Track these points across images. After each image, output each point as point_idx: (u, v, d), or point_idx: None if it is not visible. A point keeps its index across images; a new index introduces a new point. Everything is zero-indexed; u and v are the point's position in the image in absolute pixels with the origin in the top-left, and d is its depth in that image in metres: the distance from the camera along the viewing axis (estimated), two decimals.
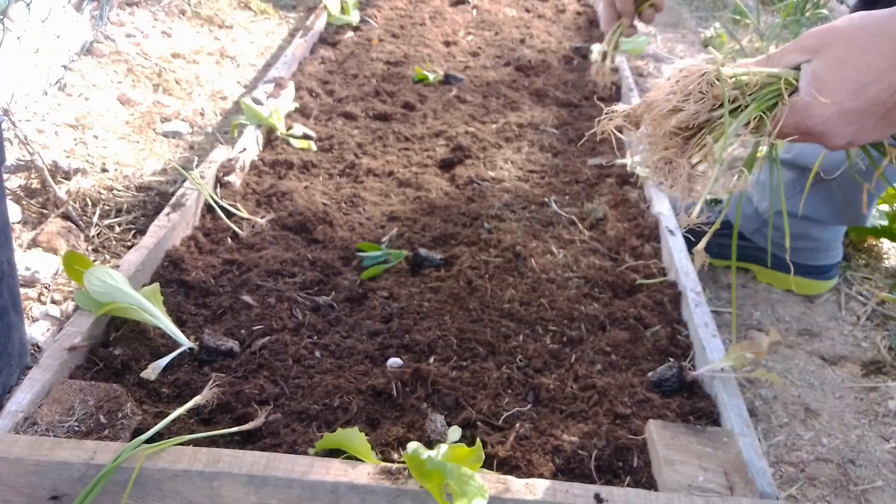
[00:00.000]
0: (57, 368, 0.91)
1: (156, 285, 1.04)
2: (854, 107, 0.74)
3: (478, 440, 0.79)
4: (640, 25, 1.39)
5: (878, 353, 1.32)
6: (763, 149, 0.82)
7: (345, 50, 2.17)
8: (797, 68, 0.79)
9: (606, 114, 0.84)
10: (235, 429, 0.87)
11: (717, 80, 0.75)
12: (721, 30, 2.74)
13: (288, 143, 1.60)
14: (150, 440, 0.80)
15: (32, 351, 1.09)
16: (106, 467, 0.76)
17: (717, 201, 1.59)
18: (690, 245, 1.33)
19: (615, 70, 2.18)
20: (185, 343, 1.00)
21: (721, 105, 0.76)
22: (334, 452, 0.84)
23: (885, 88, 0.74)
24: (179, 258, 1.18)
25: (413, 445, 0.79)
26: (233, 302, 1.10)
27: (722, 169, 0.77)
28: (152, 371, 0.94)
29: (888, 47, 0.73)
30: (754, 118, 0.77)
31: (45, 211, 1.40)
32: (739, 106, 0.78)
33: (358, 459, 0.81)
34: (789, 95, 0.77)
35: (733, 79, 0.77)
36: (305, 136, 1.62)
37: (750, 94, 0.78)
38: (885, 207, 1.58)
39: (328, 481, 0.77)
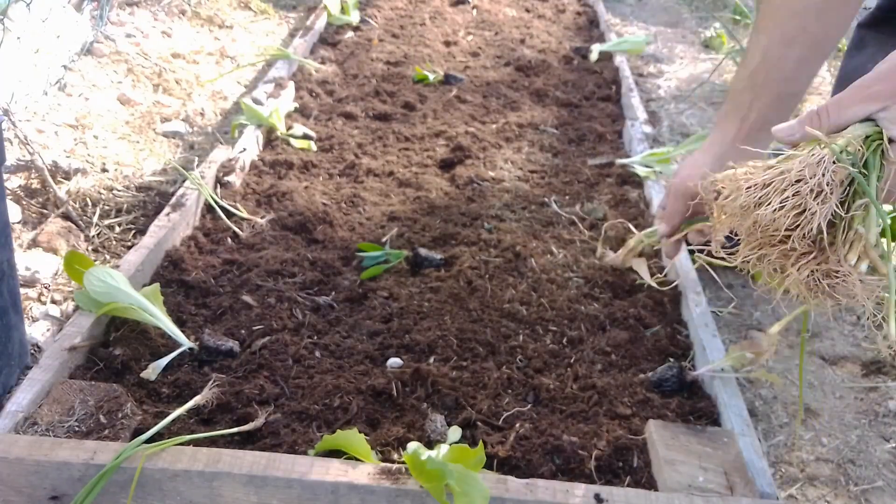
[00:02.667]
0: (57, 368, 0.91)
1: (156, 285, 1.04)
2: None
3: (480, 442, 0.79)
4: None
5: (878, 353, 1.32)
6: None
7: (345, 50, 2.17)
8: (867, 120, 0.71)
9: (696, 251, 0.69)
10: (236, 429, 0.87)
11: (836, 160, 0.64)
12: (721, 30, 2.74)
13: (288, 143, 1.61)
14: (150, 440, 0.80)
15: (32, 351, 1.09)
16: (106, 467, 0.76)
17: None
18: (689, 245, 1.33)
19: (615, 70, 2.18)
20: (185, 343, 1.00)
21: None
22: (335, 453, 0.84)
23: None
24: (179, 258, 1.18)
25: (413, 445, 0.79)
26: (233, 302, 1.10)
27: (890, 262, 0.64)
28: (152, 371, 0.95)
29: None
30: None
31: (45, 211, 1.40)
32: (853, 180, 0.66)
33: (358, 460, 0.81)
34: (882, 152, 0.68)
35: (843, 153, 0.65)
36: (305, 136, 1.62)
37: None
38: (886, 207, 1.58)
39: (328, 481, 0.77)
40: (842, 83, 1.34)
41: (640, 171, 1.57)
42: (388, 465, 0.79)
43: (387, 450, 0.86)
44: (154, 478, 0.78)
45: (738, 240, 0.74)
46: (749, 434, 0.92)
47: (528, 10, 2.71)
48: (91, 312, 1.00)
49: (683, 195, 1.00)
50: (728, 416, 0.94)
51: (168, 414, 0.88)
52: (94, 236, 1.37)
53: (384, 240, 1.28)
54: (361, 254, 1.24)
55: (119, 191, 1.52)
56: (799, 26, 1.01)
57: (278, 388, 0.95)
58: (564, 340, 1.09)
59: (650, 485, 0.86)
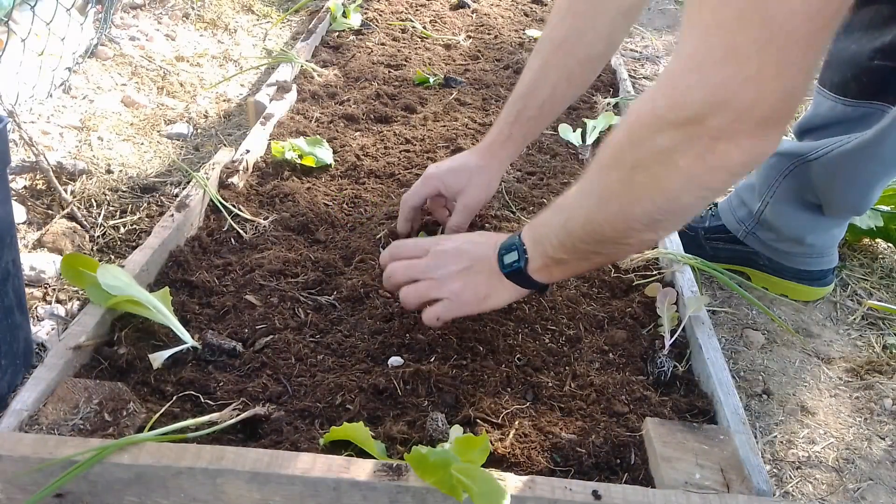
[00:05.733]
0: (62, 367, 0.92)
1: (166, 289, 1.06)
2: None
3: (482, 430, 0.80)
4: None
5: (872, 352, 1.33)
6: None
7: (346, 53, 2.19)
8: None
9: None
10: (237, 418, 0.88)
11: None
12: None
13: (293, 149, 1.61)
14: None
15: (37, 350, 1.10)
16: (109, 446, 0.77)
17: (712, 203, 1.60)
18: (687, 245, 1.34)
19: (613, 72, 2.19)
20: (189, 341, 1.01)
21: None
22: (341, 445, 0.85)
23: None
24: (184, 258, 1.19)
25: (415, 449, 0.80)
26: (236, 301, 1.11)
27: None
28: (157, 360, 0.96)
29: None
30: None
31: (50, 212, 1.41)
32: None
33: (361, 454, 0.82)
34: None
35: None
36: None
37: None
38: (882, 208, 1.59)
39: (330, 478, 0.78)
40: (827, 67, 1.36)
41: None
42: (390, 461, 0.81)
43: (389, 445, 0.88)
44: (158, 475, 0.79)
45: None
46: (745, 431, 0.93)
47: (526, 14, 2.72)
48: (98, 307, 1.01)
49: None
50: (724, 413, 0.96)
51: (172, 412, 0.89)
52: (98, 237, 1.39)
53: (378, 236, 1.29)
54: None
55: (124, 192, 1.54)
56: (538, 47, 1.17)
57: (281, 386, 0.96)
58: (563, 339, 1.10)
59: (647, 482, 0.87)
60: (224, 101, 2.04)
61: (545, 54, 1.16)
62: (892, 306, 1.43)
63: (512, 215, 1.42)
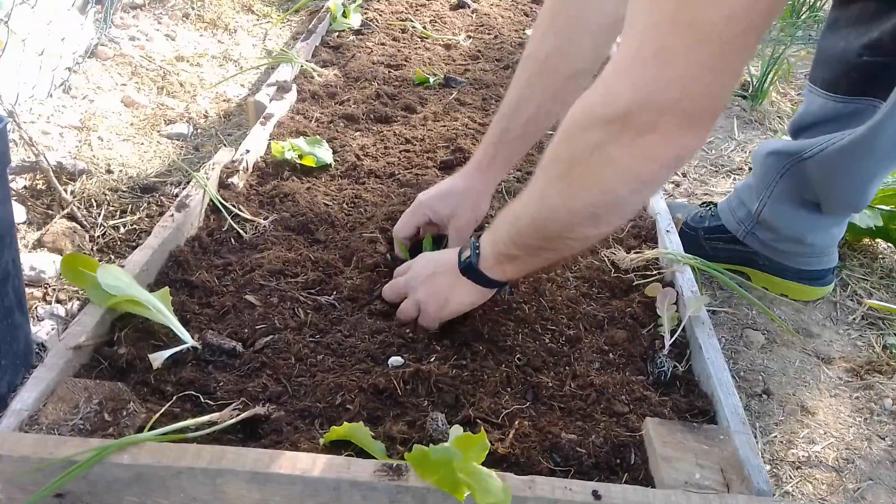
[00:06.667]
0: (62, 367, 0.92)
1: (166, 289, 1.06)
2: None
3: (482, 429, 0.80)
4: None
5: (872, 352, 1.33)
6: None
7: (346, 53, 2.19)
8: None
9: None
10: (237, 419, 0.88)
11: None
12: None
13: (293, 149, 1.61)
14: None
15: (37, 350, 1.10)
16: (109, 446, 0.77)
17: (712, 204, 1.60)
18: (687, 245, 1.34)
19: None
20: (189, 341, 1.01)
21: None
22: (342, 444, 0.85)
23: None
24: (184, 258, 1.19)
25: (416, 447, 0.80)
26: (236, 301, 1.11)
27: None
28: (157, 359, 0.96)
29: None
30: None
31: (50, 212, 1.41)
32: None
33: (361, 454, 0.82)
34: None
35: None
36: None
37: None
38: (882, 207, 1.59)
39: (330, 478, 0.78)
40: (817, 65, 1.36)
41: None
42: (390, 461, 0.81)
43: (389, 445, 0.88)
44: (158, 475, 0.79)
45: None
46: (745, 431, 0.93)
47: (526, 14, 2.72)
48: (98, 307, 1.01)
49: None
50: (724, 413, 0.96)
51: (172, 412, 0.89)
52: (98, 237, 1.39)
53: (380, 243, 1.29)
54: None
55: (124, 192, 1.54)
56: (521, 65, 1.19)
57: (281, 385, 0.96)
58: (563, 339, 1.10)
59: (647, 482, 0.87)
60: (224, 101, 2.04)
61: (529, 73, 1.16)
62: (893, 306, 1.43)
63: None
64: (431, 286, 1.06)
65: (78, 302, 1.22)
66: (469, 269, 1.02)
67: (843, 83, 1.30)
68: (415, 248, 1.26)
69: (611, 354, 1.08)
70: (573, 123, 0.81)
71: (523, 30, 2.51)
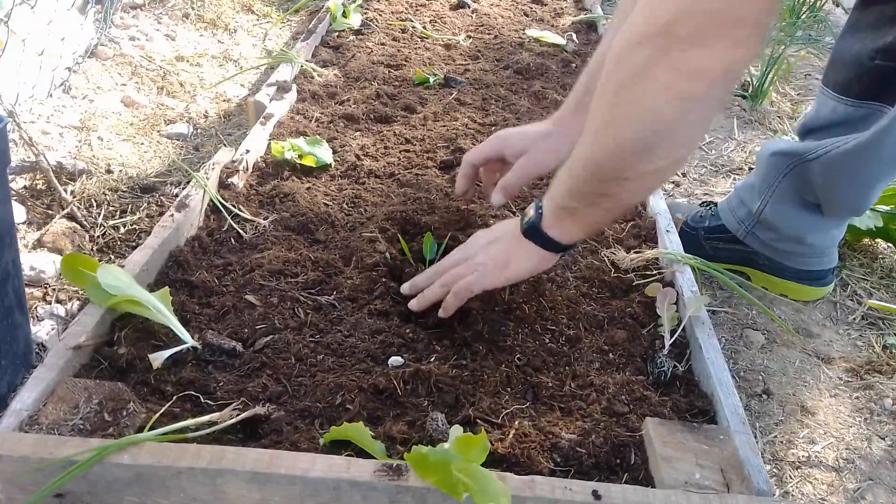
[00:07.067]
0: (62, 367, 0.92)
1: (166, 289, 1.06)
2: None
3: (482, 430, 0.80)
4: None
5: (872, 352, 1.33)
6: None
7: (346, 53, 2.19)
8: None
9: None
10: (237, 418, 0.88)
11: None
12: None
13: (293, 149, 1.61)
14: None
15: (37, 350, 1.10)
16: (108, 446, 0.77)
17: (712, 203, 1.60)
18: (687, 245, 1.34)
19: None
20: (189, 341, 1.01)
21: None
22: (342, 444, 0.85)
23: None
24: (184, 258, 1.19)
25: (415, 448, 0.80)
26: (236, 301, 1.11)
27: None
28: (157, 359, 0.96)
29: None
30: None
31: (50, 212, 1.41)
32: None
33: (361, 454, 0.82)
34: None
35: None
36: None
37: None
38: (882, 208, 1.59)
39: (330, 478, 0.78)
40: (831, 67, 1.36)
41: None
42: (390, 461, 0.81)
43: (389, 445, 0.88)
44: (158, 475, 0.79)
45: None
46: (745, 431, 0.93)
47: (526, 14, 2.72)
48: (98, 307, 1.01)
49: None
50: (724, 413, 0.96)
51: (172, 412, 0.89)
52: (98, 237, 1.39)
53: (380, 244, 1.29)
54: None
55: (124, 192, 1.54)
56: (612, 20, 1.15)
57: (281, 385, 0.96)
58: (563, 339, 1.10)
59: (647, 482, 0.87)
60: (224, 101, 2.04)
61: (614, 28, 1.14)
62: (893, 305, 1.43)
63: (512, 215, 1.42)
64: (492, 250, 1.02)
65: (78, 302, 1.23)
66: (531, 230, 0.98)
67: (855, 87, 1.30)
68: (416, 249, 1.26)
69: (611, 354, 1.08)
70: (618, 48, 0.78)
71: (523, 30, 2.51)
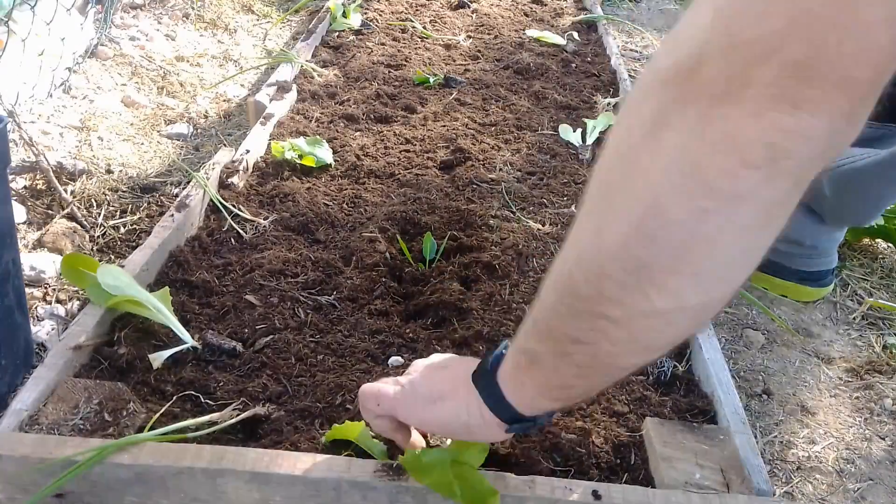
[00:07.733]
0: (62, 367, 0.92)
1: (166, 289, 1.06)
2: None
3: None
4: None
5: (872, 352, 1.33)
6: None
7: (346, 53, 2.19)
8: None
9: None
10: (237, 419, 0.88)
11: None
12: None
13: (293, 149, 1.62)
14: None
15: (37, 350, 1.10)
16: (109, 446, 0.77)
17: None
18: None
19: (613, 72, 2.19)
20: (189, 341, 1.01)
21: None
22: (340, 446, 0.85)
23: None
24: (184, 258, 1.19)
25: (408, 451, 0.80)
26: (236, 301, 1.11)
27: None
28: (157, 359, 0.96)
29: None
30: None
31: (50, 212, 1.41)
32: None
33: (361, 454, 0.82)
34: None
35: None
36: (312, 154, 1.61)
37: None
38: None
39: (330, 478, 0.78)
40: None
41: None
42: (390, 461, 0.81)
43: (389, 445, 0.88)
44: (158, 475, 0.79)
45: None
46: (745, 431, 0.93)
47: (526, 14, 2.72)
48: (98, 307, 1.01)
49: None
50: (724, 413, 0.96)
51: (172, 412, 0.89)
52: (98, 237, 1.39)
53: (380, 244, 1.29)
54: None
55: (124, 192, 1.54)
56: None
57: (281, 385, 0.96)
58: None
59: (647, 482, 0.87)
60: (224, 101, 2.04)
61: None
62: (894, 304, 1.43)
63: (512, 215, 1.42)
64: (434, 376, 0.76)
65: (78, 302, 1.22)
66: (481, 374, 0.69)
67: (876, 108, 1.30)
68: (416, 249, 1.26)
69: None
70: (627, 101, 0.50)
71: (523, 30, 2.51)
